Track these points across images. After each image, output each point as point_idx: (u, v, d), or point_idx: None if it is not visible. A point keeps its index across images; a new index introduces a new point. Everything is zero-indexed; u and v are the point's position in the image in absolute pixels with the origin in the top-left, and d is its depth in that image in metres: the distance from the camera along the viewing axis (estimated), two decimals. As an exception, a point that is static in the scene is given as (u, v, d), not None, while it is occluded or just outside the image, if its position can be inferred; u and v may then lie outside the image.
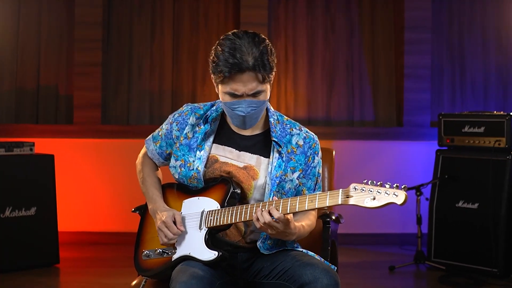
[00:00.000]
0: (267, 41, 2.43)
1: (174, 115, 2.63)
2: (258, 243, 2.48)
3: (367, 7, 5.79)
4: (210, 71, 2.45)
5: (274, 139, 2.49)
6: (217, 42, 2.43)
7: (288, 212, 2.30)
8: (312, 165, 2.55)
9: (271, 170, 2.48)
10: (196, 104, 2.62)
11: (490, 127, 4.67)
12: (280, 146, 2.50)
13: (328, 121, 5.79)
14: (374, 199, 2.16)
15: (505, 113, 4.66)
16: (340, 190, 2.23)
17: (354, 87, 5.81)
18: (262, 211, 2.30)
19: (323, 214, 2.85)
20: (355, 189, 2.20)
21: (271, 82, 2.47)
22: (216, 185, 2.49)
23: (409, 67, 5.62)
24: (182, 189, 2.58)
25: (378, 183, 2.19)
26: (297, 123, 2.60)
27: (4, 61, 5.72)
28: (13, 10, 5.72)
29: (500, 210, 4.52)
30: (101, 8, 5.56)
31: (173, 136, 2.60)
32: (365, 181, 2.20)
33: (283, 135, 2.53)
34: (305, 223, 2.48)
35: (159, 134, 2.65)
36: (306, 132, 2.57)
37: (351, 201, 2.19)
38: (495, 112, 4.82)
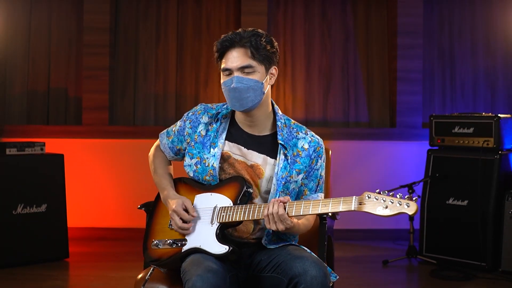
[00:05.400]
0: (267, 34, 2.46)
1: (188, 113, 2.64)
2: (263, 240, 2.49)
3: (362, 14, 5.76)
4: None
5: (280, 141, 2.48)
6: None
7: (301, 214, 2.30)
8: (315, 168, 2.54)
9: (277, 171, 2.47)
10: (209, 104, 2.63)
11: (479, 128, 4.65)
12: (286, 148, 2.49)
13: (324, 122, 5.74)
14: (386, 208, 2.17)
15: (493, 114, 4.65)
16: (354, 197, 2.22)
17: (349, 90, 5.76)
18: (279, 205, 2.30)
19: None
20: (368, 197, 2.20)
21: (267, 67, 2.43)
22: (229, 183, 2.48)
23: (402, 71, 5.58)
24: (194, 184, 2.56)
25: (391, 193, 2.21)
26: (304, 126, 2.58)
27: (16, 65, 5.72)
28: (24, 16, 5.73)
29: (488, 207, 4.52)
30: (108, 14, 5.54)
31: (185, 133, 2.60)
32: (377, 190, 2.21)
33: (290, 138, 2.51)
34: (302, 222, 2.47)
35: (173, 130, 2.66)
36: (312, 136, 2.55)
37: (365, 209, 2.19)
38: (483, 113, 4.81)
